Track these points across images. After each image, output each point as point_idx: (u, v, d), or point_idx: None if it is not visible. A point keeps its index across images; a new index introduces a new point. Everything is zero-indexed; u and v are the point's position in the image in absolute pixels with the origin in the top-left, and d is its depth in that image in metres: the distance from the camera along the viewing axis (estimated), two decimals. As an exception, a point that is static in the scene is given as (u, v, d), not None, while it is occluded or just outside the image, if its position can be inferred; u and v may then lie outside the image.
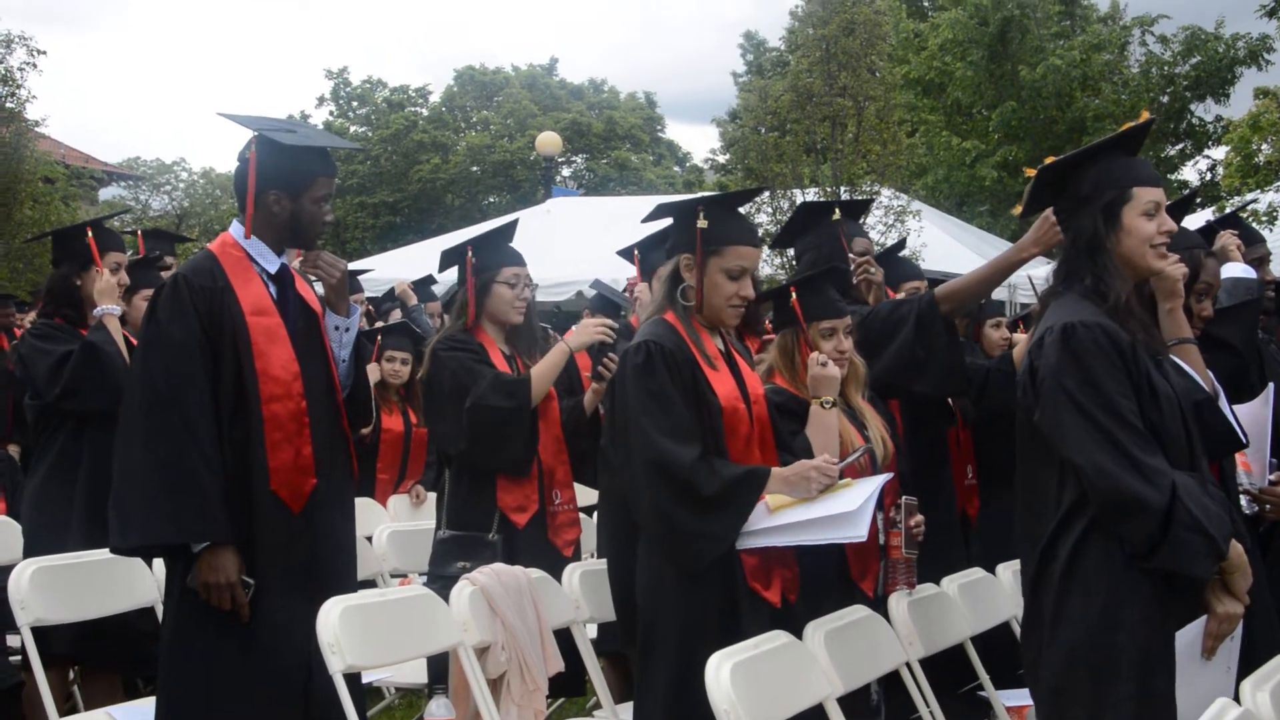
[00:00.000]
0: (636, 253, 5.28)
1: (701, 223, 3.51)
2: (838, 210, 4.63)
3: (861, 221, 4.93)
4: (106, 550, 3.83)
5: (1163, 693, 2.95)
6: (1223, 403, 3.48)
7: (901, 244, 6.00)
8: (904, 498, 3.82)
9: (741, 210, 3.79)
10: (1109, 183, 3.14)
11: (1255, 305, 4.17)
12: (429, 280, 8.58)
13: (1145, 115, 3.33)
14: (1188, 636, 3.00)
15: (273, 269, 3.62)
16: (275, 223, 3.59)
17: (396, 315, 8.08)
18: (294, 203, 3.57)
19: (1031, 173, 3.23)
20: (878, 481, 3.49)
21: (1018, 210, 3.37)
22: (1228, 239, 4.53)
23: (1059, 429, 3.01)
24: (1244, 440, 3.51)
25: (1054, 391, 3.02)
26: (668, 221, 3.75)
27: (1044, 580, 3.09)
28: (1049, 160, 3.23)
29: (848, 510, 3.33)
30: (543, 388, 4.38)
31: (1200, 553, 2.91)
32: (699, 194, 3.58)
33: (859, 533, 3.34)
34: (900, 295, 4.80)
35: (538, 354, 4.66)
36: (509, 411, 4.28)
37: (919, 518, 3.83)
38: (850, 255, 4.49)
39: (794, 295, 3.90)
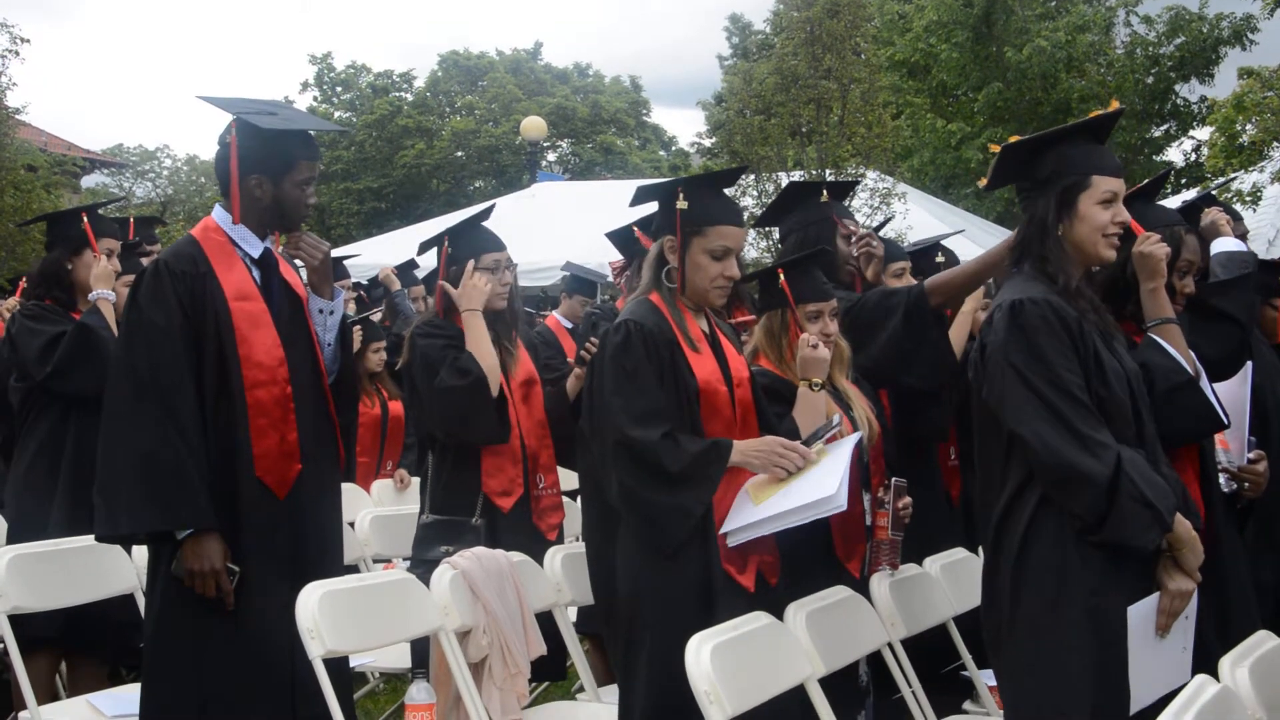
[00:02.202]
0: (638, 230, 5.28)
1: (681, 204, 3.50)
2: (825, 191, 4.60)
3: (847, 203, 4.91)
4: (85, 537, 3.84)
5: (1117, 666, 2.99)
6: (1204, 383, 3.48)
7: (884, 224, 5.99)
8: (894, 479, 3.82)
9: (727, 192, 3.77)
10: (1070, 168, 3.17)
11: (1252, 279, 4.15)
12: (411, 265, 8.58)
13: (1115, 104, 3.35)
14: (1140, 612, 3.03)
15: (256, 253, 3.60)
16: (257, 207, 3.57)
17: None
18: (275, 186, 3.55)
19: (996, 149, 3.25)
20: (849, 446, 3.48)
21: (983, 182, 3.39)
22: (1216, 214, 4.52)
23: (1004, 403, 3.06)
24: (1226, 421, 3.52)
25: (1000, 366, 3.07)
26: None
27: (999, 557, 3.15)
28: (1013, 139, 3.24)
29: (826, 495, 3.33)
30: (485, 356, 4.31)
31: (1144, 524, 2.95)
32: (679, 176, 3.57)
33: (839, 504, 3.33)
34: (887, 276, 4.77)
35: (519, 337, 4.65)
36: (465, 388, 4.24)
37: (907, 500, 3.83)
38: (849, 229, 4.47)
39: (782, 277, 3.89)
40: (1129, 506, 2.94)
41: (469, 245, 4.47)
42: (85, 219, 4.93)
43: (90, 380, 4.67)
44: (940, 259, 5.17)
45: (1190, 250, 3.78)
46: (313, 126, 3.78)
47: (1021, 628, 3.10)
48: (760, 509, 3.39)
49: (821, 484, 3.35)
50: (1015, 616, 3.11)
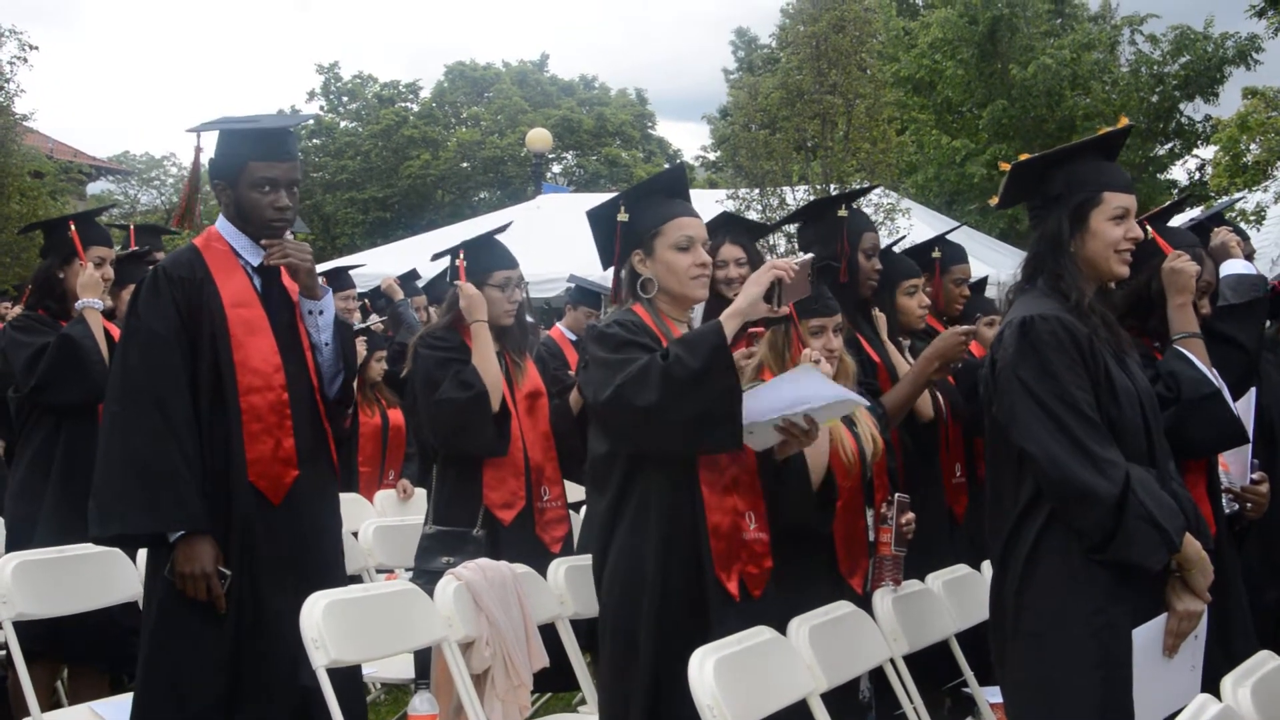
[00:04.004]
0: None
1: (622, 216, 3.48)
2: (844, 207, 4.61)
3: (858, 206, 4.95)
4: (88, 544, 3.84)
5: (1121, 686, 2.99)
6: (1227, 397, 3.52)
7: (895, 243, 6.00)
8: (897, 495, 3.83)
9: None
10: (1080, 185, 3.19)
11: (1263, 303, 4.16)
12: (414, 275, 8.62)
13: (1124, 121, 3.37)
14: (1146, 634, 3.04)
15: (255, 262, 3.61)
16: (231, 213, 3.60)
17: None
18: (234, 190, 3.57)
19: (1006, 167, 3.26)
20: (851, 395, 3.40)
21: (994, 200, 3.40)
22: (1226, 235, 4.52)
23: (1014, 419, 3.06)
24: (1248, 435, 3.55)
25: (1010, 382, 3.08)
26: None
27: (1006, 574, 3.15)
28: (1023, 157, 3.26)
29: (844, 395, 3.28)
30: (489, 370, 4.34)
31: (1152, 544, 2.96)
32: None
33: (829, 394, 3.24)
34: (899, 293, 4.79)
35: (528, 352, 4.66)
36: (466, 401, 4.28)
37: (910, 515, 3.83)
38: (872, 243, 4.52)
39: None
40: (1136, 526, 2.94)
41: (482, 261, 4.48)
42: (72, 227, 4.92)
43: (75, 391, 4.68)
44: (936, 254, 5.18)
45: (1209, 271, 3.82)
46: (263, 124, 3.67)
47: (1025, 644, 3.12)
48: (759, 402, 3.26)
49: (819, 389, 3.24)
50: (1020, 633, 3.12)
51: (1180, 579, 3.06)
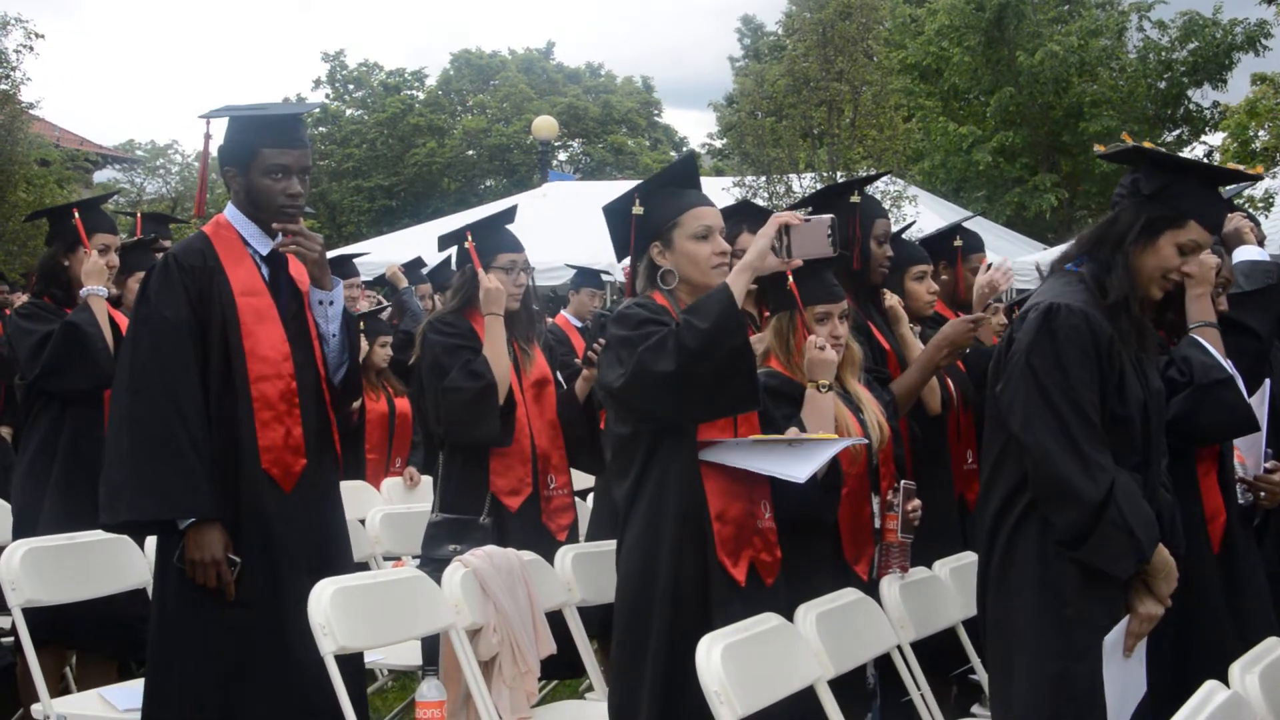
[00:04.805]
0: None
1: (637, 210, 3.49)
2: (856, 193, 4.60)
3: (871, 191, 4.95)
4: (96, 531, 3.85)
5: (1088, 675, 3.02)
6: (1239, 384, 3.53)
7: (904, 229, 6.00)
8: (903, 482, 3.82)
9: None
10: (1174, 202, 3.13)
11: (1276, 290, 4.12)
12: (419, 263, 8.62)
13: (1260, 169, 3.36)
14: (1113, 639, 3.06)
15: (264, 251, 3.62)
16: (240, 200, 3.60)
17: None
18: (245, 177, 3.57)
19: (1128, 139, 3.21)
20: (838, 446, 3.48)
21: (1100, 148, 3.34)
22: (1240, 221, 4.50)
23: (1016, 405, 3.06)
24: (1259, 423, 3.56)
25: (1021, 368, 3.07)
26: None
27: (990, 559, 3.18)
28: (1147, 145, 3.20)
29: (794, 476, 3.34)
30: (499, 361, 4.33)
31: (1123, 552, 2.98)
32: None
33: (798, 475, 3.33)
34: (907, 279, 4.78)
35: (535, 338, 4.65)
36: (475, 391, 4.27)
37: (916, 502, 3.83)
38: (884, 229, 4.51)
39: (790, 278, 3.88)
40: (1111, 533, 2.95)
41: (487, 244, 4.48)
42: (76, 215, 4.92)
43: (80, 378, 4.68)
44: (957, 242, 5.17)
45: (1226, 268, 3.82)
46: (274, 111, 3.68)
47: (999, 629, 3.16)
48: (741, 453, 3.38)
49: (797, 467, 3.33)
50: (995, 618, 3.17)
51: (1144, 582, 3.08)
